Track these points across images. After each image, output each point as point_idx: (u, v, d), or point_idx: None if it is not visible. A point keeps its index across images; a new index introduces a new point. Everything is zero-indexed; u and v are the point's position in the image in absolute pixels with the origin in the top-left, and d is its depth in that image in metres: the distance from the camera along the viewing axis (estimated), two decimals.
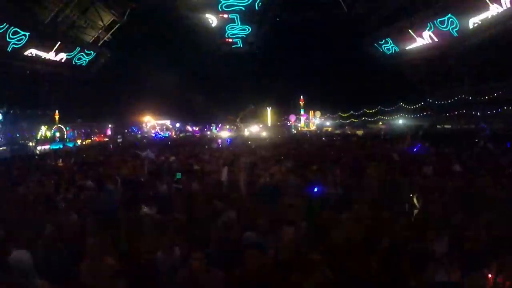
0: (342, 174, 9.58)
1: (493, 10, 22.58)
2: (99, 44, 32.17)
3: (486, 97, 29.50)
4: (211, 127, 62.45)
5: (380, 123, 46.66)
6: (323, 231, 5.35)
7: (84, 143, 40.19)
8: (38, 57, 27.45)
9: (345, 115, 53.15)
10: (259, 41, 36.27)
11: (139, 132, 56.52)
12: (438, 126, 35.22)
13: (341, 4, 30.67)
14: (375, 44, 34.50)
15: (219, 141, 28.64)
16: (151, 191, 8.30)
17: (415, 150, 16.15)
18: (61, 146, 32.47)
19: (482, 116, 30.15)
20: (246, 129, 51.02)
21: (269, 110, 64.00)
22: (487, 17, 23.23)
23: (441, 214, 5.51)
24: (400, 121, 42.82)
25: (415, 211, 6.44)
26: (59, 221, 6.06)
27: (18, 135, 34.92)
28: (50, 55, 28.24)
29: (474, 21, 24.38)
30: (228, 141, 28.75)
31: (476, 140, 17.13)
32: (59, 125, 37.85)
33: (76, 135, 43.35)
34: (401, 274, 4.17)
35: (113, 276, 3.68)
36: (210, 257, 4.08)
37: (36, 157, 24.42)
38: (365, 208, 6.06)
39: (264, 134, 42.88)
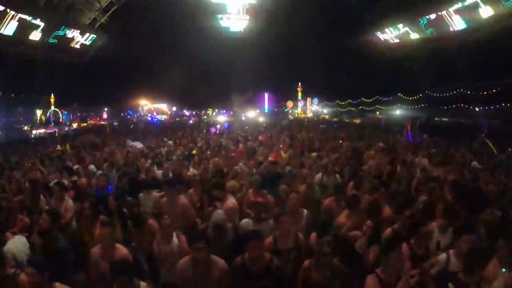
0: (341, 162, 9.59)
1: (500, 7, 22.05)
2: (95, 26, 31.49)
3: (485, 93, 29.42)
4: (208, 112, 62.42)
5: (378, 113, 46.66)
6: (326, 220, 5.32)
7: (80, 126, 39.97)
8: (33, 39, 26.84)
9: (343, 103, 53.05)
10: (259, 26, 35.62)
11: (135, 115, 56.34)
12: (436, 119, 35.18)
13: None
14: (377, 33, 34.00)
15: (218, 126, 28.50)
16: (148, 176, 8.17)
17: (412, 139, 16.25)
18: (57, 130, 32.23)
19: (480, 112, 30.08)
20: (242, 115, 50.91)
21: (266, 96, 63.93)
22: (492, 13, 22.78)
23: (443, 206, 5.42)
24: (398, 112, 42.79)
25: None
26: (55, 207, 6.01)
27: (13, 120, 34.67)
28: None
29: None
30: (226, 126, 28.60)
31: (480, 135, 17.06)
32: (55, 109, 37.54)
33: (72, 118, 43.11)
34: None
35: (127, 265, 3.64)
36: (209, 244, 4.01)
37: (32, 141, 24.30)
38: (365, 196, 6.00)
39: (261, 119, 42.74)
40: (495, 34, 22.71)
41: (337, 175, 7.85)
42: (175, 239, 4.70)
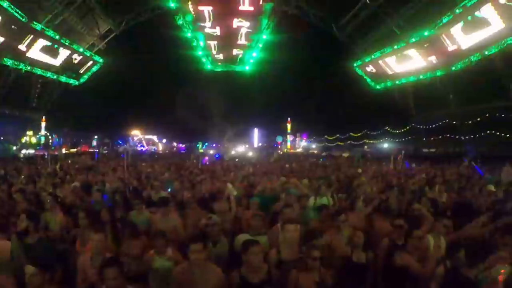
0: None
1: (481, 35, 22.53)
2: (93, 51, 31.87)
3: (470, 122, 29.90)
4: (198, 145, 62.66)
5: (366, 146, 47.36)
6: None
7: (69, 151, 39.75)
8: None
9: (331, 138, 53.70)
10: (250, 62, 36.08)
11: (125, 145, 56.46)
12: (424, 150, 35.64)
13: (332, 27, 31.14)
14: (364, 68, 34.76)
15: (206, 157, 28.18)
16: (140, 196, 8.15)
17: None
18: (46, 153, 31.95)
19: (466, 140, 30.31)
20: (232, 149, 51.18)
21: (256, 131, 64.78)
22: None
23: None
24: (385, 145, 43.42)
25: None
26: (46, 217, 6.07)
27: (2, 138, 34.41)
28: (44, 57, 27.77)
29: None
30: (217, 156, 28.50)
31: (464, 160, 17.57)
32: (46, 132, 37.48)
33: (62, 143, 42.85)
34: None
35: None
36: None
37: (22, 159, 24.38)
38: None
39: (250, 154, 43.08)
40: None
41: (329, 197, 7.98)
42: (168, 253, 4.67)
